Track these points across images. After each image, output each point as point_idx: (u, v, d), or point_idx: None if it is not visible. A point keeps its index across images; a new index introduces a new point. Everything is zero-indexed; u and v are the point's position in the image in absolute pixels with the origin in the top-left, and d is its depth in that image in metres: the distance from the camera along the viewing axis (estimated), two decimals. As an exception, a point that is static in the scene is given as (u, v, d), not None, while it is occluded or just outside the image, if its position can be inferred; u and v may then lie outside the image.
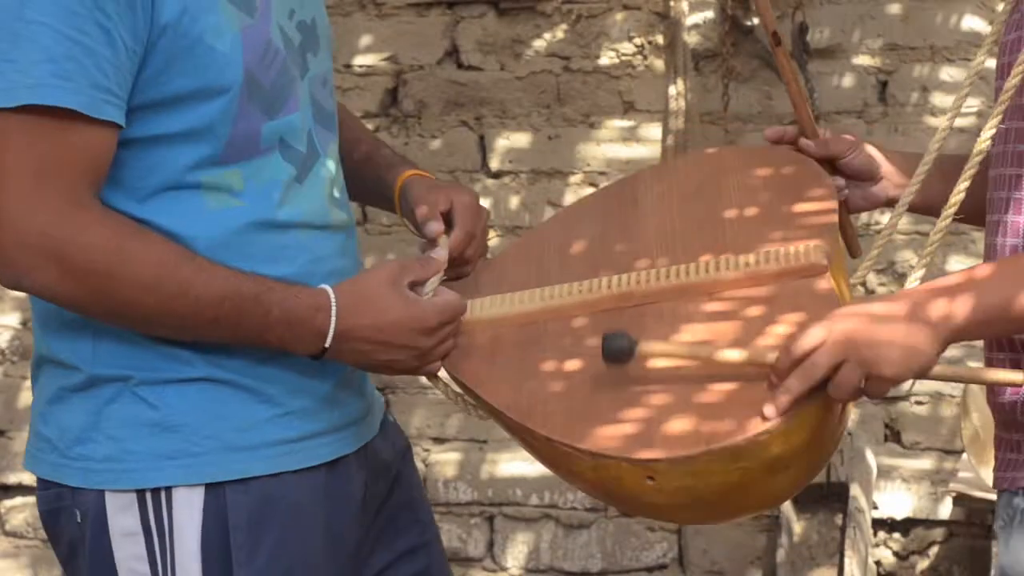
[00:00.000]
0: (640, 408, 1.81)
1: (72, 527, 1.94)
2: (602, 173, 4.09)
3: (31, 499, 4.27)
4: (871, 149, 2.12)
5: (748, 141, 3.93)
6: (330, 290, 1.89)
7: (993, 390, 1.90)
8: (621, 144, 4.08)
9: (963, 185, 1.89)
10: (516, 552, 4.20)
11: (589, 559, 4.17)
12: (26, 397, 4.23)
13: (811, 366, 1.71)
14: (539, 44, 4.10)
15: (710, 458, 1.73)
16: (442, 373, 1.98)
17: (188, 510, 1.89)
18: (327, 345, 1.89)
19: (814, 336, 1.72)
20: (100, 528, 1.90)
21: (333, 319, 1.88)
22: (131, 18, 1.79)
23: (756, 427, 1.73)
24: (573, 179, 4.11)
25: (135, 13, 1.79)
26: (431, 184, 2.13)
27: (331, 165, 2.01)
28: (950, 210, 1.90)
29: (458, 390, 2.00)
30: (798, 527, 3.81)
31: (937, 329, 1.72)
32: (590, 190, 4.06)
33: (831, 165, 2.11)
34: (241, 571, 1.90)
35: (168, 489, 1.89)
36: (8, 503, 4.37)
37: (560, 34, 4.08)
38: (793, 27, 3.82)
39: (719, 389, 1.79)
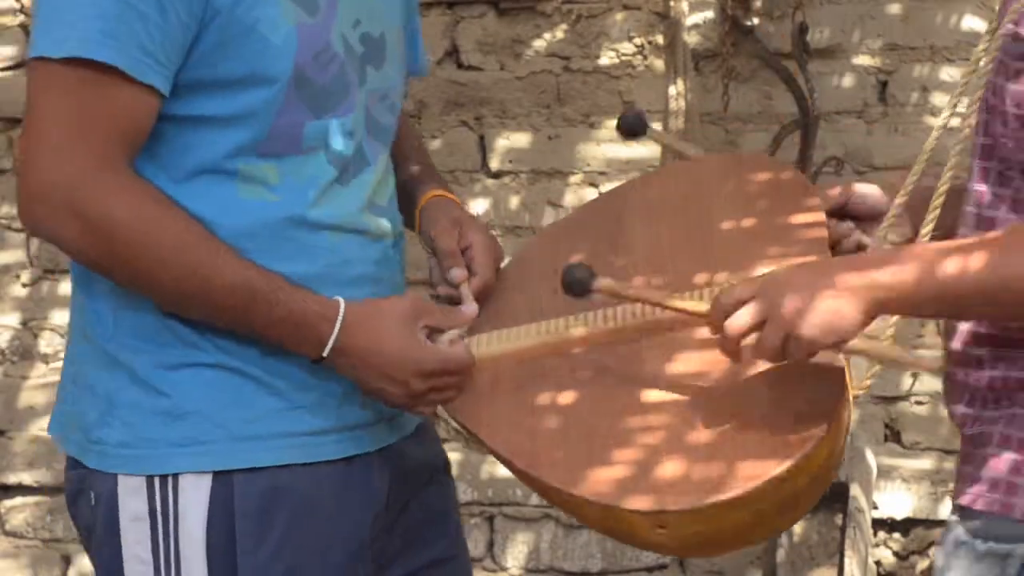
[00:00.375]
0: (635, 449, 1.82)
1: (88, 510, 1.97)
2: (602, 173, 4.08)
3: (31, 499, 4.27)
4: (859, 186, 2.08)
5: (748, 141, 3.93)
6: (342, 303, 1.91)
7: (949, 403, 1.86)
8: (621, 144, 4.07)
9: (939, 201, 1.89)
10: (516, 552, 4.20)
11: (589, 559, 4.16)
12: (26, 397, 4.22)
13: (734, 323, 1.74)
14: (539, 44, 4.10)
15: (721, 508, 1.75)
16: (441, 411, 1.99)
17: (194, 497, 1.92)
18: (325, 355, 1.91)
19: (743, 297, 1.75)
20: (111, 511, 1.94)
21: (335, 332, 1.90)
22: None
23: (764, 474, 1.74)
24: (573, 179, 4.11)
25: None
26: (450, 216, 2.13)
27: (378, 174, 2.02)
28: (927, 227, 1.89)
29: (458, 428, 2.01)
30: (798, 527, 3.80)
31: (862, 295, 1.70)
32: (590, 190, 4.06)
33: (839, 216, 2.08)
34: (246, 559, 1.92)
35: (175, 476, 1.92)
36: (8, 503, 4.35)
37: (560, 34, 4.08)
38: (793, 27, 3.81)
39: (713, 430, 1.81)
